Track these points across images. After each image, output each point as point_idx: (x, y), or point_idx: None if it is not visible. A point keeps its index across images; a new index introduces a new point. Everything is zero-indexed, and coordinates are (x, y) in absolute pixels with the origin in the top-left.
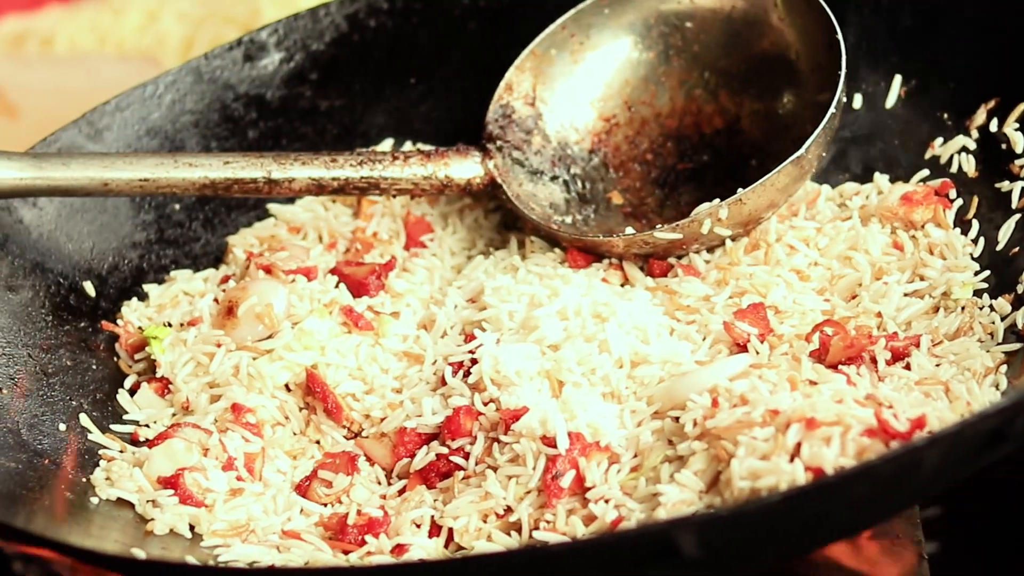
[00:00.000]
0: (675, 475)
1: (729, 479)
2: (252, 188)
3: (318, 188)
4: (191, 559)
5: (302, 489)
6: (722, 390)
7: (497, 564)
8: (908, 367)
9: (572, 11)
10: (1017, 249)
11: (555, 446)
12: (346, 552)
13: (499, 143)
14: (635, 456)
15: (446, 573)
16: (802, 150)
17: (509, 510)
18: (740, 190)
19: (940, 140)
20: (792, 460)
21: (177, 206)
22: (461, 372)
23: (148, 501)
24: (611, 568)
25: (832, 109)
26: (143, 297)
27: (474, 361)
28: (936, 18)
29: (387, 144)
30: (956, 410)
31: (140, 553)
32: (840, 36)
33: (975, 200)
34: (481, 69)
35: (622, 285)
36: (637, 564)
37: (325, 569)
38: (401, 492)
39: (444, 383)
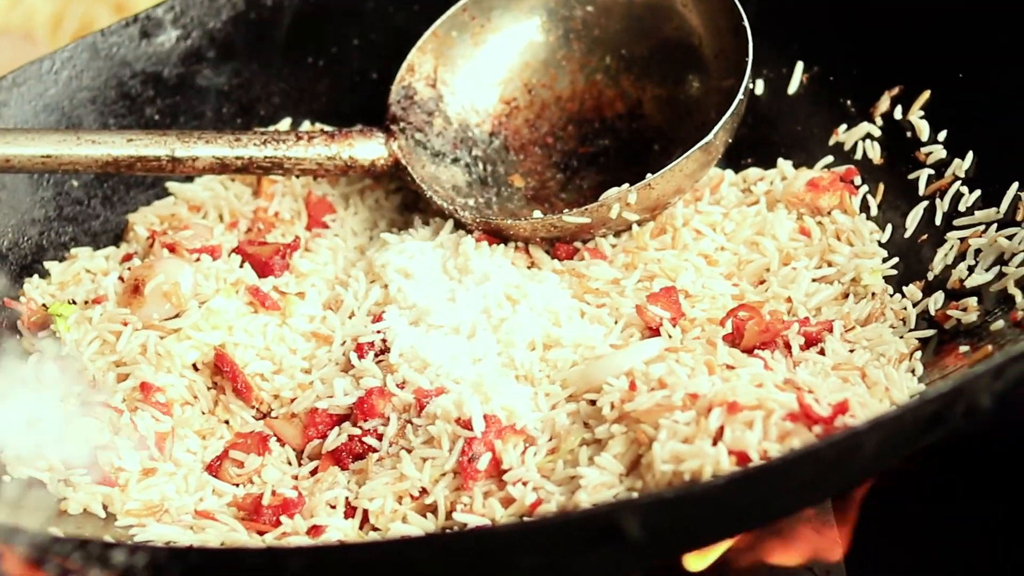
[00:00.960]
0: (594, 458)
1: (651, 462)
2: (155, 166)
3: (221, 167)
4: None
5: (213, 469)
6: (639, 373)
7: (438, 545)
8: (822, 352)
9: None
10: (925, 236)
11: (470, 428)
12: (261, 533)
13: (402, 124)
14: (551, 439)
15: (395, 552)
16: (710, 136)
17: (424, 492)
18: (649, 175)
19: (844, 127)
20: (715, 444)
21: (76, 183)
22: (372, 353)
23: (60, 480)
24: (554, 550)
25: (740, 95)
26: (44, 275)
27: (384, 342)
28: (838, 4)
29: (285, 123)
30: (875, 395)
31: (57, 532)
32: (746, 22)
33: (881, 187)
34: (379, 49)
35: (529, 268)
36: (580, 546)
37: (262, 550)
38: (313, 473)
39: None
